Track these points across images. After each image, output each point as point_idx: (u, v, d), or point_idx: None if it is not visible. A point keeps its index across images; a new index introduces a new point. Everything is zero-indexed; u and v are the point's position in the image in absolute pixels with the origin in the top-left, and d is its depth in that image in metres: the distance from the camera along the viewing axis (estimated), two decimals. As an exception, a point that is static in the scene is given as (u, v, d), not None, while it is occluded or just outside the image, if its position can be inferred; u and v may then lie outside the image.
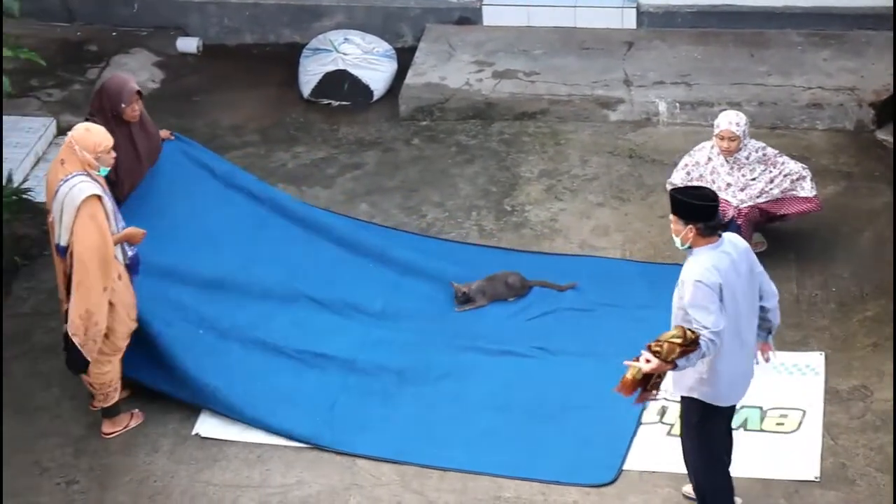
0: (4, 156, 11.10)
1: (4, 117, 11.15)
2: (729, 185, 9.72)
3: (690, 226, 7.38)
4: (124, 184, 9.04)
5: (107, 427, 8.93)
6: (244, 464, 8.68)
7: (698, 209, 7.37)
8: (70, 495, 8.54)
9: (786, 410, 8.78)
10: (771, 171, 9.70)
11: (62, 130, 11.50)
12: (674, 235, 7.49)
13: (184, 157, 9.58)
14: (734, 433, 8.56)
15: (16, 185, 10.48)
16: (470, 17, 12.65)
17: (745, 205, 9.69)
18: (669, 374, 7.48)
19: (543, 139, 11.42)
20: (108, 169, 8.52)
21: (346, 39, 12.31)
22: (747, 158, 9.68)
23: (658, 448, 8.59)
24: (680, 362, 7.32)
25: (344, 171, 11.22)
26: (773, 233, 10.06)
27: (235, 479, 8.60)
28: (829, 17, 12.01)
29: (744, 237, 9.60)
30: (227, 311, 9.27)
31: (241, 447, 8.79)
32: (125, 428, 8.95)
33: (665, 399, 8.88)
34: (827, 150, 11.04)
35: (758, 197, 9.70)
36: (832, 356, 9.15)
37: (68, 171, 8.37)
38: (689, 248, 7.46)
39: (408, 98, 11.81)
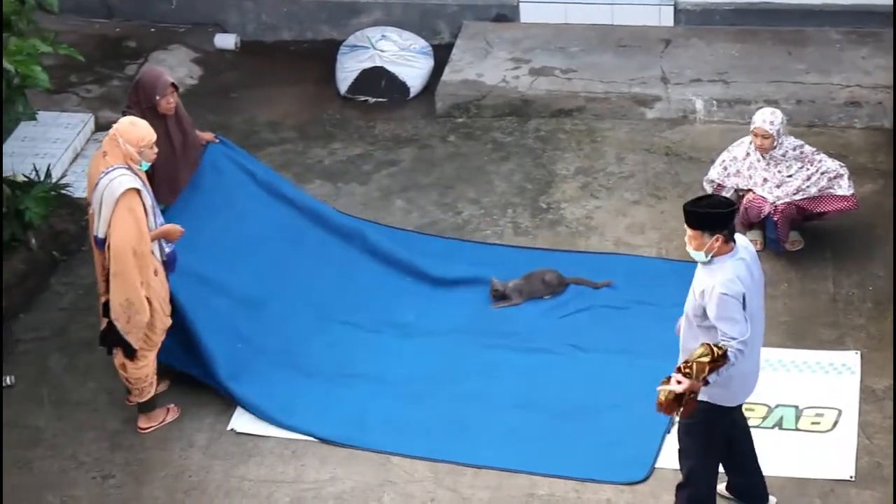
0: (44, 151, 11.19)
1: (44, 113, 11.24)
2: (765, 180, 9.71)
3: (717, 235, 7.27)
4: (158, 177, 9.07)
5: (143, 422, 8.99)
6: (279, 459, 8.71)
7: (721, 217, 7.27)
8: (105, 489, 8.59)
9: (821, 409, 8.75)
10: (808, 169, 9.67)
11: (100, 126, 11.57)
12: (694, 251, 7.35)
13: (228, 162, 9.64)
14: (769, 432, 8.58)
15: (54, 180, 10.53)
16: (507, 15, 12.64)
17: (781, 201, 9.66)
18: None
19: (580, 136, 11.41)
20: (149, 164, 8.58)
21: (383, 36, 12.33)
22: (783, 155, 9.66)
23: (692, 446, 8.58)
24: (711, 378, 7.29)
25: (380, 168, 11.24)
26: (811, 231, 10.03)
27: (270, 474, 8.63)
28: (867, 15, 11.94)
29: (780, 234, 9.63)
30: (261, 329, 9.36)
31: (275, 443, 8.82)
32: (161, 423, 9.00)
33: (700, 397, 8.88)
34: (864, 148, 10.99)
35: (794, 194, 9.67)
36: (868, 355, 9.11)
37: (110, 164, 8.43)
38: (711, 258, 7.35)
39: (444, 95, 11.82)
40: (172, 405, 9.06)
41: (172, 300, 8.80)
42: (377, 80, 12.05)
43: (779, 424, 8.68)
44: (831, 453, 8.45)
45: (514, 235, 10.40)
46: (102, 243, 8.51)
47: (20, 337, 9.74)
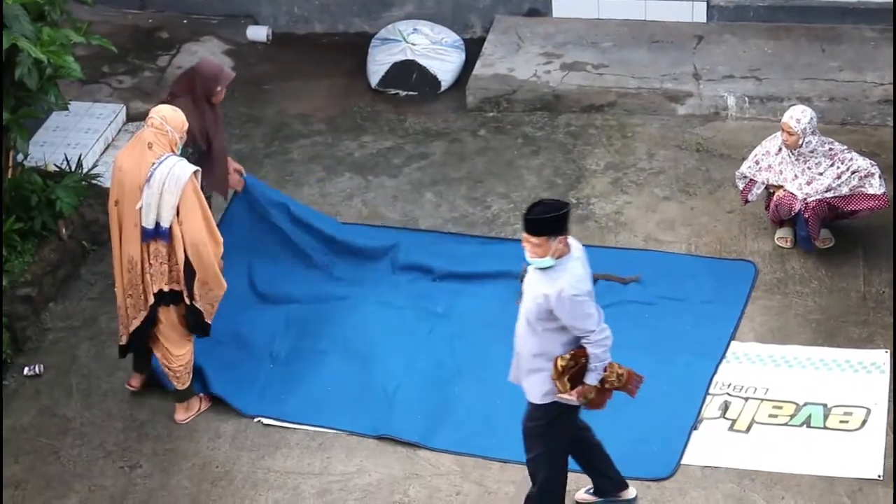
0: (76, 141, 11.23)
1: (76, 103, 11.28)
2: (796, 176, 9.67)
3: (560, 237, 7.37)
4: (214, 166, 9.29)
5: (180, 414, 9.00)
6: (306, 451, 8.73)
7: (562, 219, 7.38)
8: (133, 479, 8.62)
9: (850, 408, 8.71)
10: (839, 167, 9.63)
11: (132, 117, 11.60)
12: (539, 259, 7.40)
13: (252, 211, 9.88)
14: (797, 430, 8.56)
15: (85, 170, 10.57)
16: (539, 9, 12.62)
17: (812, 199, 9.62)
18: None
19: (610, 132, 11.38)
20: (183, 147, 8.72)
21: (415, 30, 12.32)
22: (812, 152, 9.62)
23: (720, 443, 8.56)
24: (588, 379, 7.52)
25: (410, 161, 11.24)
26: (842, 230, 9.98)
27: (297, 466, 8.64)
28: (903, 13, 11.88)
29: (811, 231, 9.59)
30: (294, 325, 9.58)
31: (302, 434, 8.83)
32: (197, 412, 9.03)
33: (728, 395, 8.85)
34: (899, 146, 10.94)
35: (825, 192, 9.63)
36: (899, 354, 9.08)
37: (158, 154, 8.51)
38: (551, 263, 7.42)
39: (475, 89, 11.81)
40: (202, 394, 9.10)
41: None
42: (408, 73, 12.05)
43: (807, 422, 8.64)
44: (859, 452, 8.42)
45: (544, 230, 10.37)
46: (166, 233, 8.52)
47: (50, 326, 9.78)
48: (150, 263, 8.63)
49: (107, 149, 11.30)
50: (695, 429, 8.65)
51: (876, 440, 8.46)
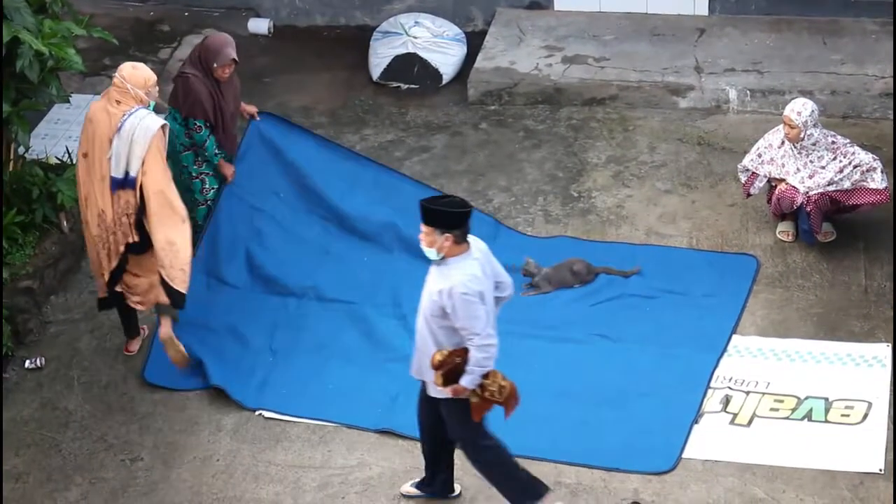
0: (77, 134, 11.15)
1: (77, 96, 11.28)
2: (798, 169, 9.67)
3: (447, 234, 7.37)
4: (229, 132, 9.64)
5: (165, 328, 9.12)
6: (306, 444, 8.73)
7: (453, 216, 7.37)
8: (134, 472, 8.62)
9: (851, 402, 8.71)
10: (841, 161, 9.62)
11: (133, 110, 11.59)
12: (427, 248, 7.45)
13: (267, 147, 9.96)
14: (799, 423, 8.56)
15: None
16: (541, 2, 12.61)
17: (813, 192, 9.62)
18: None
19: (612, 125, 11.38)
20: (155, 103, 8.93)
21: (416, 23, 12.32)
22: (814, 145, 9.61)
23: (721, 437, 8.55)
24: (463, 380, 7.53)
25: (412, 154, 11.24)
26: (843, 224, 9.97)
27: (297, 459, 8.64)
28: (905, 6, 11.87)
29: (813, 224, 9.58)
30: (294, 321, 9.60)
31: (303, 428, 8.84)
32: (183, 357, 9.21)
33: (729, 388, 8.85)
34: (900, 139, 10.93)
35: (827, 186, 9.63)
36: (900, 348, 9.07)
37: (126, 109, 8.80)
38: (443, 258, 7.44)
39: (477, 82, 11.80)
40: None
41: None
42: (410, 66, 12.04)
43: (808, 416, 8.64)
44: (861, 446, 8.41)
45: (545, 223, 10.38)
46: (133, 182, 8.76)
47: (51, 318, 9.78)
48: (118, 214, 8.85)
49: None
50: (696, 422, 8.65)
51: (877, 434, 8.46)
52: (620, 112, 11.51)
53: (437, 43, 12.15)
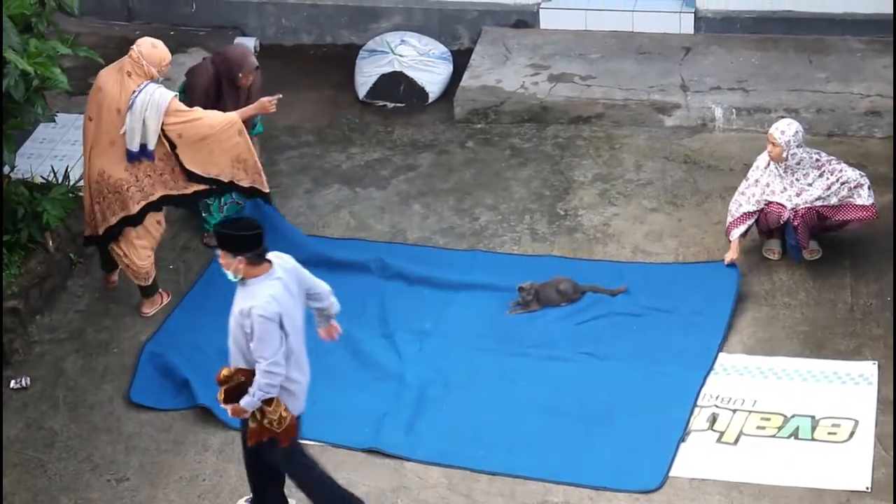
0: (62, 153, 11.21)
1: (63, 115, 11.27)
2: (784, 188, 9.67)
3: (240, 257, 7.47)
4: None
5: (146, 307, 9.86)
6: (293, 464, 8.70)
7: (242, 240, 7.47)
8: (120, 492, 8.59)
9: (838, 420, 8.71)
10: (828, 178, 9.63)
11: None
12: (225, 270, 7.56)
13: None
14: (785, 442, 8.57)
15: (72, 182, 10.54)
16: (527, 21, 12.63)
17: (800, 207, 9.62)
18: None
19: (598, 143, 11.39)
20: (163, 79, 9.48)
21: (402, 41, 12.32)
22: (799, 164, 9.62)
23: (708, 456, 8.55)
24: (242, 401, 7.56)
25: (398, 173, 11.24)
26: (829, 241, 9.98)
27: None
28: (890, 24, 11.87)
29: (800, 240, 9.59)
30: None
31: (290, 447, 8.81)
32: (161, 305, 9.89)
33: (716, 406, 8.85)
34: (885, 157, 10.93)
35: (815, 201, 9.64)
36: (886, 366, 9.06)
37: (137, 83, 9.29)
38: (243, 279, 7.53)
39: (463, 100, 11.81)
40: (165, 291, 9.98)
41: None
42: (396, 84, 12.05)
43: (795, 434, 8.64)
44: (847, 464, 8.42)
45: (532, 242, 10.38)
46: (151, 154, 9.36)
47: (37, 338, 9.76)
48: (138, 179, 9.41)
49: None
50: (682, 441, 8.65)
51: (864, 452, 8.46)
52: (607, 130, 11.52)
53: (423, 61, 12.16)
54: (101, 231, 9.61)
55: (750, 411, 8.82)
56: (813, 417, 8.74)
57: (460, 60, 12.31)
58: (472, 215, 10.70)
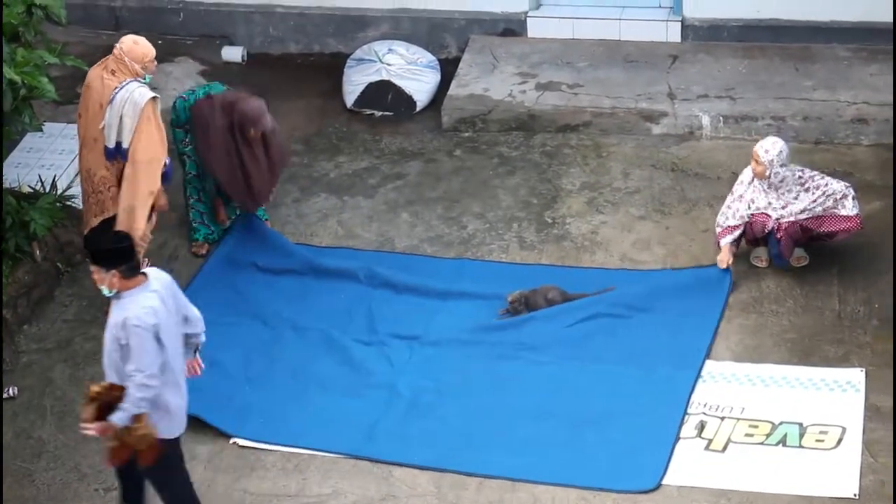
0: (50, 162, 11.20)
1: (51, 124, 11.26)
2: (769, 203, 9.68)
3: (113, 271, 7.44)
4: (232, 182, 10.16)
5: None
6: (281, 473, 8.70)
7: (114, 253, 7.45)
8: (108, 502, 8.57)
9: (826, 427, 8.72)
10: (813, 193, 9.65)
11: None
12: (99, 286, 7.53)
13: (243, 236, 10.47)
14: (773, 449, 8.57)
15: (59, 191, 10.53)
16: (514, 29, 12.64)
17: (785, 220, 9.64)
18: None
19: (586, 152, 11.40)
20: (151, 77, 9.57)
21: (390, 50, 12.33)
22: (782, 181, 9.62)
23: (696, 463, 8.56)
24: (113, 416, 7.48)
25: (386, 182, 11.24)
26: (817, 248, 10.00)
27: (273, 487, 8.61)
28: (876, 32, 11.91)
29: (783, 251, 9.61)
30: (270, 350, 9.64)
31: (278, 456, 8.81)
32: None
33: (704, 414, 8.86)
34: (872, 165, 10.96)
35: (799, 214, 9.65)
36: (873, 373, 9.08)
37: (120, 80, 9.38)
38: (118, 293, 7.50)
39: (451, 109, 11.82)
40: None
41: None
42: (384, 93, 12.05)
43: (783, 441, 8.65)
44: (835, 471, 8.43)
45: (520, 250, 10.39)
46: (126, 153, 9.36)
47: (24, 348, 9.74)
48: (118, 180, 9.48)
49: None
50: (675, 442, 8.66)
51: (852, 459, 8.47)
52: (594, 138, 11.53)
53: (410, 70, 12.16)
54: (90, 225, 9.67)
55: (738, 419, 8.83)
56: (801, 425, 8.75)
57: (448, 69, 12.32)
58: (459, 223, 10.70)
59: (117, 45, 9.47)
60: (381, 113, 12.07)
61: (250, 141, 10.07)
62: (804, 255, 9.95)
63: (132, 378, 7.43)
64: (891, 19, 11.74)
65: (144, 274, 7.57)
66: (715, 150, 11.28)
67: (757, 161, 9.61)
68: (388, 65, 12.16)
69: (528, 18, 12.58)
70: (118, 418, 7.48)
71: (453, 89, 11.99)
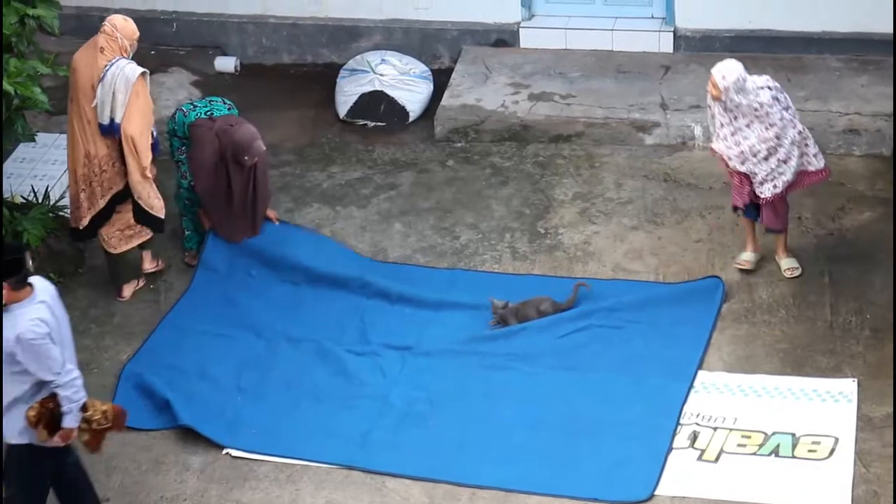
0: (42, 172, 11.20)
1: (43, 134, 11.25)
2: (722, 125, 9.62)
3: (4, 283, 7.44)
4: (215, 211, 10.21)
5: (127, 291, 10.23)
6: (274, 483, 8.70)
7: (6, 265, 7.43)
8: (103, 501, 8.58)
9: (818, 437, 8.73)
10: (767, 130, 9.47)
11: (99, 148, 11.57)
12: None
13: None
14: (766, 459, 8.57)
15: (52, 202, 10.53)
16: (507, 40, 12.66)
17: (765, 195, 9.63)
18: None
19: (578, 162, 11.41)
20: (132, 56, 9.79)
21: (383, 60, 12.34)
22: (737, 107, 9.54)
23: (689, 474, 8.56)
24: (66, 422, 7.59)
25: (379, 192, 11.25)
26: (809, 258, 10.02)
27: (266, 498, 8.61)
28: (868, 43, 11.95)
29: (763, 220, 9.63)
30: (263, 361, 9.62)
31: (271, 466, 8.81)
32: (137, 286, 10.26)
33: (697, 424, 8.87)
34: (864, 175, 10.99)
35: (774, 188, 9.59)
36: (865, 383, 9.09)
37: (109, 58, 9.60)
38: (6, 306, 7.50)
39: (443, 119, 11.83)
40: (140, 278, 10.33)
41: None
42: (377, 104, 12.06)
43: (775, 452, 8.66)
44: (828, 481, 8.43)
45: (513, 260, 10.40)
46: (119, 129, 9.59)
47: (17, 358, 9.71)
48: (107, 157, 9.73)
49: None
50: (668, 453, 8.66)
51: (844, 470, 8.48)
52: (587, 149, 11.55)
53: (403, 80, 12.18)
54: (86, 220, 9.86)
55: (731, 429, 8.84)
56: (793, 435, 8.76)
57: (441, 79, 12.33)
58: (452, 234, 10.71)
59: (107, 23, 9.68)
60: (373, 123, 12.08)
61: (243, 167, 10.01)
62: (797, 265, 9.97)
63: (55, 384, 7.55)
64: (882, 30, 11.78)
65: (31, 285, 7.58)
66: (707, 160, 11.26)
67: (714, 86, 9.56)
68: (381, 75, 12.17)
69: (520, 29, 12.61)
70: (71, 421, 7.63)
71: (446, 100, 12.01)
